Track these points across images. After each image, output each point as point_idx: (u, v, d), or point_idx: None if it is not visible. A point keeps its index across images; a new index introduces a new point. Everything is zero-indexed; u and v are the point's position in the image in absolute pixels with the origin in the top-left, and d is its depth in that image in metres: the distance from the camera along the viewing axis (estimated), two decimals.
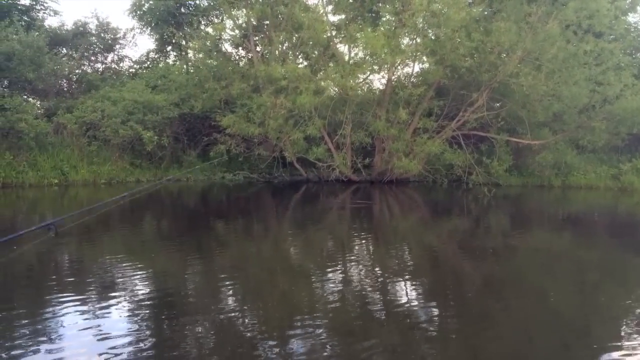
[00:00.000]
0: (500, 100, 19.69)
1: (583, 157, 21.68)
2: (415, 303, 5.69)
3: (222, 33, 21.50)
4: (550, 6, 17.78)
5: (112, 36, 24.53)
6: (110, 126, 18.38)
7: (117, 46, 25.01)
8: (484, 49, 17.53)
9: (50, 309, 5.08)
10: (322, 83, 17.39)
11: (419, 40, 17.28)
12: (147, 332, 4.54)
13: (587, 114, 19.46)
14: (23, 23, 19.72)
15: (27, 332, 4.44)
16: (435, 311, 5.36)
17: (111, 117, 18.53)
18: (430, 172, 20.09)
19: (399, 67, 18.86)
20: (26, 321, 4.72)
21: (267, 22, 20.94)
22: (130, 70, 25.19)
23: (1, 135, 17.03)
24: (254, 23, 20.95)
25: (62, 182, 17.59)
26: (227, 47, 22.72)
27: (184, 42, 24.11)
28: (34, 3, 21.85)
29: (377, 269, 7.32)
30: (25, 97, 20.18)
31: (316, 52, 18.66)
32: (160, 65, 24.39)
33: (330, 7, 20.60)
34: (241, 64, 22.50)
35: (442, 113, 19.54)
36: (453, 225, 11.72)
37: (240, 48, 23.37)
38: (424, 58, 17.19)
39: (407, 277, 6.76)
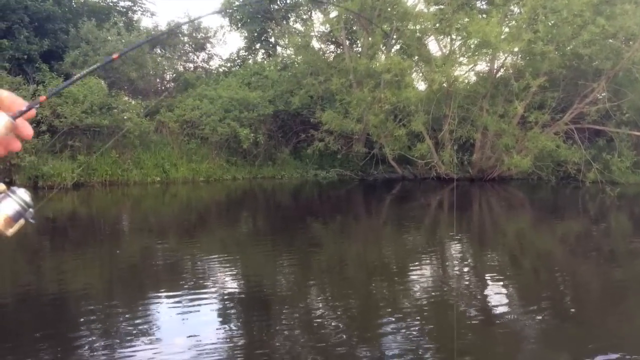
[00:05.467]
0: (617, 91, 17.94)
1: None
2: (520, 309, 5.20)
3: (315, 28, 21.08)
4: None
5: (203, 35, 24.78)
6: (209, 124, 18.39)
7: (208, 45, 25.28)
8: (605, 34, 15.98)
9: (147, 302, 5.34)
10: (432, 76, 16.35)
11: (536, 26, 15.92)
12: (236, 328, 4.59)
13: None
14: (122, 24, 20.15)
15: (127, 323, 4.63)
16: (545, 318, 4.82)
17: (209, 115, 18.54)
18: (542, 169, 18.61)
19: (509, 57, 17.56)
20: (126, 313, 4.94)
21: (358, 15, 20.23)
22: (220, 68, 25.34)
23: (107, 134, 17.39)
24: (349, 16, 20.31)
25: (164, 180, 17.77)
26: (318, 42, 22.30)
27: (272, 39, 23.94)
28: (132, 4, 22.35)
29: (479, 271, 6.80)
30: (126, 97, 20.64)
31: (419, 44, 17.65)
32: (250, 62, 24.35)
33: None
34: (330, 58, 21.99)
35: (553, 105, 18.07)
36: (567, 226, 10.82)
37: (329, 43, 22.91)
38: (541, 46, 15.75)
39: (514, 280, 6.33)
